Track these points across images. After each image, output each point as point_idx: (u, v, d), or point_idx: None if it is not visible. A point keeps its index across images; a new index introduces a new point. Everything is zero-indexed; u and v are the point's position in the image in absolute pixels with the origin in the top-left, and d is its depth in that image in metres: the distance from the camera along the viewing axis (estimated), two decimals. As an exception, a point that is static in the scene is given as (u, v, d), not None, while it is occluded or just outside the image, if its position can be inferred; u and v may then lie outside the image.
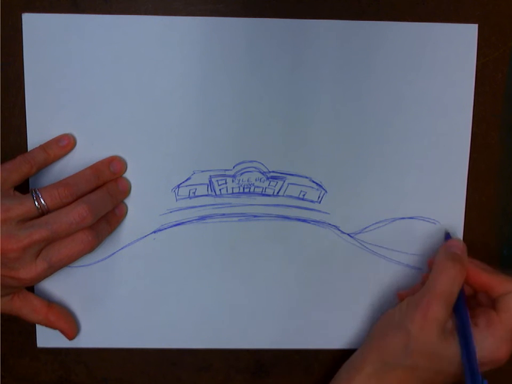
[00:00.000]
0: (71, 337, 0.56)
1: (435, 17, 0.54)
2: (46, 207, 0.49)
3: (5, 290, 0.51)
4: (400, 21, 0.54)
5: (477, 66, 0.55)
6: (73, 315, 0.56)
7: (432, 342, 0.49)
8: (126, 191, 0.55)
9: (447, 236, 0.56)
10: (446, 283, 0.50)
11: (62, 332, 0.55)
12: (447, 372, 0.50)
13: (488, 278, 0.52)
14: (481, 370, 0.50)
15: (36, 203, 0.49)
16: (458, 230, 0.57)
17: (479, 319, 0.51)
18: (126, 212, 0.55)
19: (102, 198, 0.52)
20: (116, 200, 0.54)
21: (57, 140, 0.54)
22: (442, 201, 0.56)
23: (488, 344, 0.50)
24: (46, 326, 0.55)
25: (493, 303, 0.52)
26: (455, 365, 0.50)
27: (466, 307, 0.51)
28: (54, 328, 0.55)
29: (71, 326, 0.55)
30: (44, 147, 0.53)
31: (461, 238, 0.57)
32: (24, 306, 0.53)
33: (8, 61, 0.54)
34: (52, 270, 0.50)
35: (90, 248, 0.50)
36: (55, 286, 0.56)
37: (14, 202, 0.49)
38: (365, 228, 0.57)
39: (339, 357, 0.58)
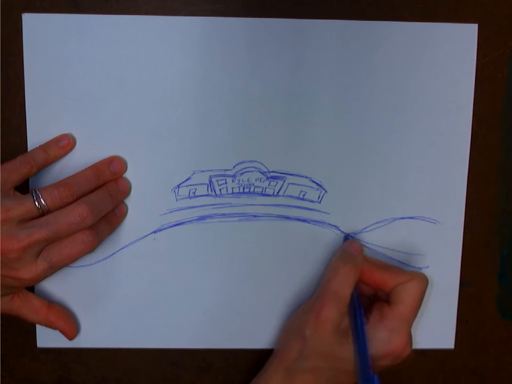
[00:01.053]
0: (71, 337, 0.56)
1: (435, 17, 0.54)
2: (46, 207, 0.49)
3: (5, 290, 0.51)
4: (400, 20, 0.54)
5: (477, 66, 0.55)
6: (73, 315, 0.56)
7: (327, 343, 0.50)
8: (126, 191, 0.55)
9: (346, 238, 0.57)
10: (338, 283, 0.51)
11: (62, 332, 0.55)
12: (348, 371, 0.51)
13: (381, 274, 0.53)
14: (381, 365, 0.51)
15: (36, 203, 0.49)
16: (458, 229, 0.57)
17: (372, 314, 0.52)
18: (126, 212, 0.55)
19: (102, 198, 0.52)
20: (116, 200, 0.54)
21: (56, 140, 0.54)
22: (442, 201, 0.56)
23: (380, 337, 0.51)
24: (46, 326, 0.55)
25: (386, 297, 0.53)
26: (352, 363, 0.51)
27: (361, 305, 0.52)
28: (54, 328, 0.55)
29: (71, 326, 0.56)
30: (43, 147, 0.53)
31: (461, 235, 0.57)
32: (24, 306, 0.53)
33: (8, 61, 0.54)
34: (52, 270, 0.50)
35: (91, 249, 0.50)
36: (55, 286, 0.56)
37: (14, 202, 0.48)
38: (365, 228, 0.57)
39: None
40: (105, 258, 0.56)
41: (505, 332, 0.59)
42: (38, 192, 0.49)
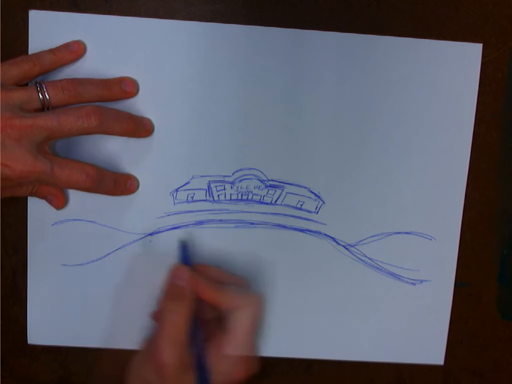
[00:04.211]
0: (61, 204, 0.54)
1: (434, 16, 0.54)
2: (48, 98, 0.48)
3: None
4: (400, 20, 0.54)
5: (476, 66, 0.55)
6: (71, 315, 0.56)
7: None
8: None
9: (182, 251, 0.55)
10: (170, 324, 0.49)
11: (54, 196, 0.53)
12: None
13: (215, 295, 0.50)
14: None
15: (40, 94, 0.48)
16: (453, 248, 0.57)
17: (212, 343, 0.50)
18: (137, 188, 0.55)
19: (114, 111, 0.51)
20: (127, 121, 0.52)
21: (66, 45, 0.52)
22: (439, 218, 0.56)
23: (222, 369, 0.49)
24: (37, 194, 0.53)
25: (222, 322, 0.51)
26: None
27: (200, 336, 0.50)
28: (46, 193, 0.53)
29: (62, 192, 0.54)
30: (51, 49, 0.52)
31: (456, 254, 0.57)
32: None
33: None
34: (49, 178, 0.48)
35: (90, 183, 0.50)
36: (50, 285, 0.56)
37: (16, 88, 0.48)
38: (361, 241, 0.56)
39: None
40: (100, 258, 0.56)
41: (505, 332, 0.59)
42: (41, 83, 0.48)
